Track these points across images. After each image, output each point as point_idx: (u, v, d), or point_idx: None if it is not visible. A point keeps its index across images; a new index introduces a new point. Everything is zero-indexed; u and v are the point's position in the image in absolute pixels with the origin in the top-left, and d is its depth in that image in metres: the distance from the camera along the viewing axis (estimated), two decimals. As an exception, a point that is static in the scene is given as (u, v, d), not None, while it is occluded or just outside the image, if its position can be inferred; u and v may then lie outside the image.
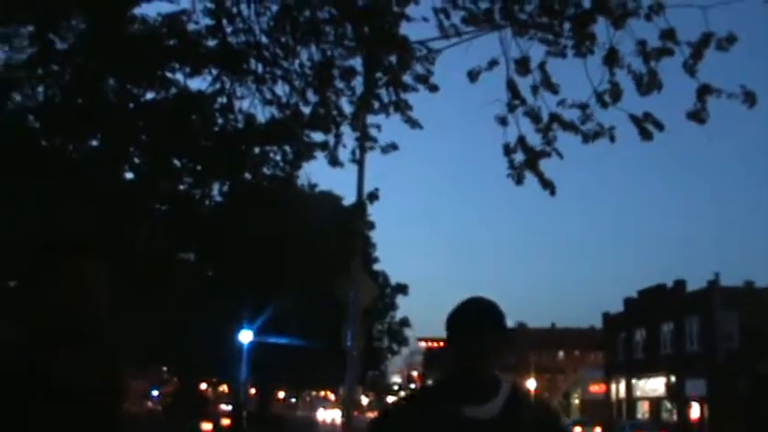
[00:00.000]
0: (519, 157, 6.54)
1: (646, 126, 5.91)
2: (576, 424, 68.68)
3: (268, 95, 10.59)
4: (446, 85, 7.91)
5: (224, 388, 65.29)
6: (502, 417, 3.10)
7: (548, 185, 6.55)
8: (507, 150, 6.52)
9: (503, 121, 6.39)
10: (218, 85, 10.93)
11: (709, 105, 5.98)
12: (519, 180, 6.58)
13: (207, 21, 9.82)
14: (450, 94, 8.03)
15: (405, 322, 67.68)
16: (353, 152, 9.31)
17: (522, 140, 6.49)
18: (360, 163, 19.83)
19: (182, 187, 14.01)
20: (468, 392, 3.11)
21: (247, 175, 13.81)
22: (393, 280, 60.82)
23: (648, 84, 5.80)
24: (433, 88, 8.01)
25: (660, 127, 5.96)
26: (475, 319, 3.13)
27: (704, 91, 5.88)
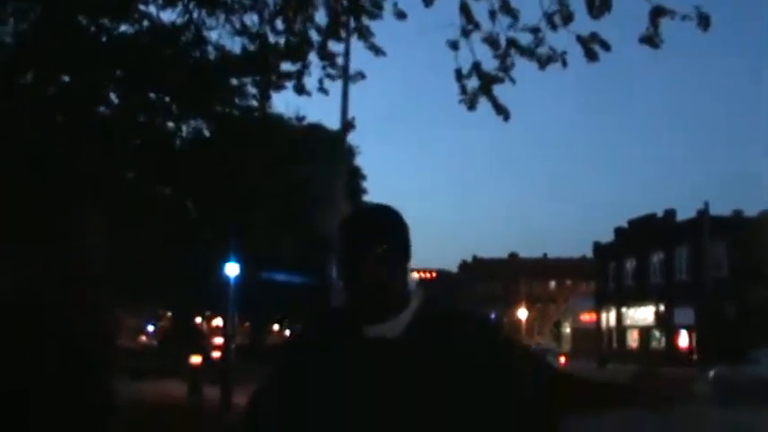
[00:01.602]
0: (472, 82, 6.51)
1: (592, 47, 5.89)
2: (560, 354, 69.58)
3: (237, 26, 10.58)
4: (411, 10, 7.86)
5: (219, 322, 65.78)
6: (410, 334, 2.73)
7: (502, 111, 6.54)
8: (459, 76, 6.50)
9: (454, 46, 6.36)
10: (187, 17, 10.86)
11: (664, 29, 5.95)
12: (471, 105, 6.55)
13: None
14: (413, 21, 7.97)
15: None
16: (321, 81, 9.26)
17: (476, 66, 6.46)
18: (344, 93, 19.96)
19: (157, 121, 13.94)
20: (367, 309, 2.73)
21: (221, 108, 13.81)
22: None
23: (599, 5, 5.75)
24: (401, 15, 7.95)
25: (606, 47, 5.93)
26: (373, 227, 2.75)
27: (657, 13, 5.83)
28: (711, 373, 34.79)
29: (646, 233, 66.78)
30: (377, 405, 2.69)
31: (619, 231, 75.11)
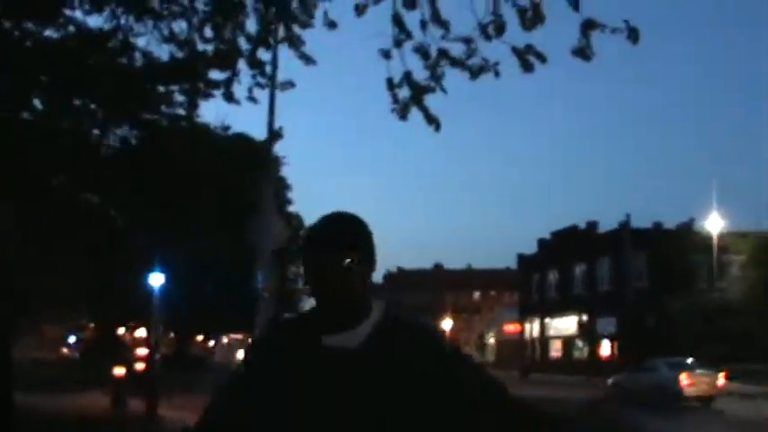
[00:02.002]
0: (404, 92, 6.54)
1: (528, 58, 5.97)
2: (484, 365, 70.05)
3: (166, 33, 10.47)
4: (343, 20, 7.87)
5: (143, 333, 64.79)
6: (372, 343, 2.71)
7: (433, 121, 6.58)
8: (391, 85, 6.52)
9: (387, 55, 6.38)
10: (115, 23, 10.72)
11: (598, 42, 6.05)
12: (403, 115, 6.59)
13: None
14: (347, 30, 7.99)
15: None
16: (250, 89, 9.20)
17: (408, 76, 6.50)
18: (271, 102, 19.82)
19: (84, 127, 13.72)
20: (330, 318, 2.71)
21: (148, 116, 13.64)
22: (308, 221, 60.85)
23: (532, 17, 5.83)
24: (332, 24, 7.95)
25: (543, 59, 6.01)
26: (336, 237, 2.71)
27: (588, 25, 5.94)
28: (610, 381, 36.96)
29: (569, 245, 67.79)
30: (333, 416, 2.66)
31: (542, 243, 76.12)
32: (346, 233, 2.74)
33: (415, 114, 6.82)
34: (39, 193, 13.91)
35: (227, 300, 35.75)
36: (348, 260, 2.67)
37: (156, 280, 25.50)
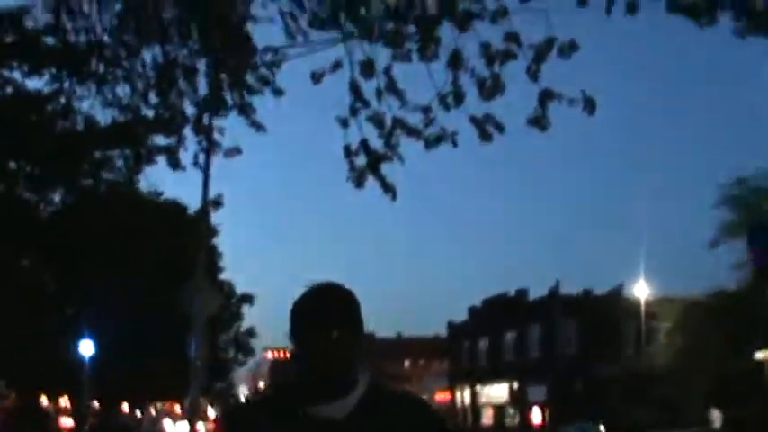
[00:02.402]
0: (360, 160, 6.53)
1: (486, 128, 6.02)
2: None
3: (109, 97, 10.33)
4: (290, 86, 7.86)
5: (66, 402, 63.09)
6: (358, 413, 2.70)
7: (389, 189, 6.56)
8: (348, 152, 6.50)
9: (344, 123, 6.38)
10: (56, 86, 10.57)
11: (552, 113, 6.13)
12: (359, 183, 6.56)
13: (47, 18, 9.51)
14: (294, 96, 7.97)
15: (251, 332, 67.05)
16: (196, 156, 9.09)
17: (364, 144, 6.49)
18: (205, 168, 19.62)
19: (18, 191, 13.45)
20: (317, 390, 2.69)
21: (87, 180, 13.41)
22: (239, 289, 60.24)
23: (491, 88, 5.89)
24: (278, 92, 7.93)
25: (501, 129, 6.06)
26: (329, 309, 2.70)
27: (546, 96, 6.01)
28: None
29: (499, 312, 68.11)
30: None
31: (472, 310, 76.32)
32: (335, 307, 2.72)
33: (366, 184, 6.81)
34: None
35: (157, 367, 35.07)
36: (337, 334, 2.65)
37: (86, 348, 24.93)
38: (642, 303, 54.94)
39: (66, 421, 48.00)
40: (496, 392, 68.84)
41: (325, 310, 2.69)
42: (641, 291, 55.60)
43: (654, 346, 54.59)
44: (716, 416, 45.52)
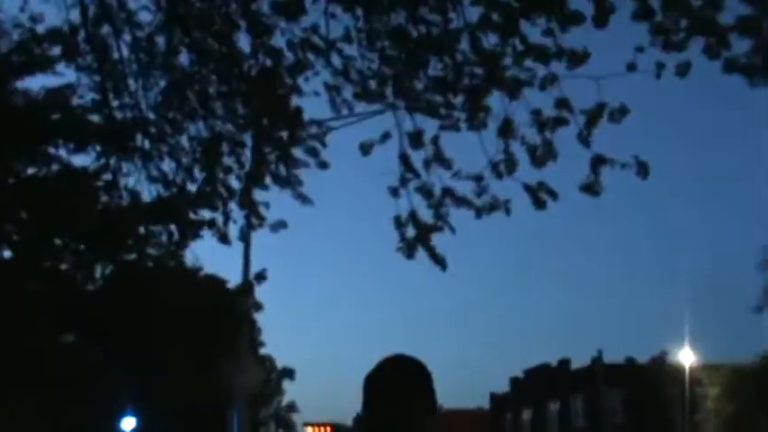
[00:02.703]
0: (410, 231, 6.46)
1: (540, 195, 5.94)
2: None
3: (154, 172, 10.38)
4: (338, 158, 7.84)
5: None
6: None
7: (439, 261, 6.48)
8: (398, 223, 6.44)
9: (395, 192, 6.33)
10: (102, 162, 10.65)
11: (604, 178, 6.04)
12: (410, 254, 6.47)
13: (92, 95, 9.63)
14: (341, 168, 7.95)
15: (292, 407, 66.76)
16: (242, 230, 9.07)
17: (413, 215, 6.43)
18: (246, 241, 19.53)
19: (64, 267, 13.50)
20: None
21: (131, 256, 13.44)
22: (279, 363, 60.05)
23: (543, 154, 5.83)
24: (323, 165, 7.92)
25: (554, 195, 5.98)
26: (406, 381, 2.68)
27: (598, 161, 5.93)
28: None
29: (541, 382, 67.13)
30: None
31: (514, 381, 75.30)
32: (412, 382, 2.69)
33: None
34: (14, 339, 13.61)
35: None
36: (411, 404, 2.62)
37: (128, 425, 24.85)
38: (687, 370, 53.90)
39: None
40: (541, 465, 67.61)
41: (399, 381, 2.68)
42: (686, 357, 54.58)
43: (701, 413, 53.43)
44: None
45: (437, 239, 6.51)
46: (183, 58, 8.96)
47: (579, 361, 63.55)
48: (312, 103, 7.77)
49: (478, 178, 6.14)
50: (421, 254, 6.49)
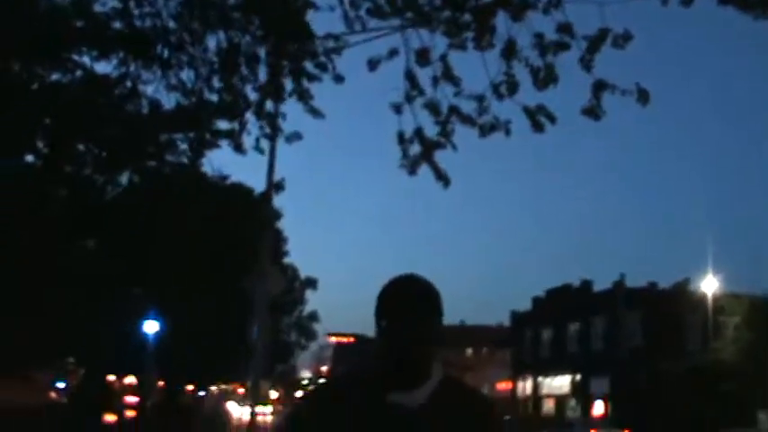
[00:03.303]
0: (414, 148, 6.57)
1: (538, 118, 6.02)
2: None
3: (174, 81, 10.50)
4: (348, 74, 7.93)
5: (132, 380, 64.21)
6: (430, 405, 2.82)
7: (442, 178, 6.60)
8: (402, 140, 6.55)
9: (398, 109, 6.43)
10: (123, 70, 10.77)
11: (605, 102, 6.10)
12: (412, 170, 6.60)
13: (114, 3, 9.72)
14: (352, 84, 8.04)
15: (314, 316, 67.54)
16: (258, 140, 9.23)
17: (419, 132, 6.53)
18: (271, 152, 19.76)
19: (86, 172, 13.73)
20: (393, 378, 2.82)
21: (152, 163, 13.63)
22: (303, 273, 60.61)
23: (545, 78, 5.89)
24: (338, 79, 8.01)
25: (552, 119, 6.06)
26: (414, 300, 2.83)
27: (599, 86, 5.99)
28: None
29: (562, 303, 67.57)
30: None
31: (536, 300, 75.83)
32: (419, 296, 2.86)
33: (423, 169, 6.85)
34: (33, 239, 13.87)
35: (221, 349, 35.51)
36: (420, 322, 2.80)
37: (151, 328, 25.39)
38: (709, 298, 54.09)
39: (133, 399, 48.85)
40: (558, 384, 68.36)
41: (410, 300, 2.82)
42: (709, 285, 54.72)
43: (720, 341, 53.77)
44: (763, 419, 44.92)
45: (440, 156, 6.62)
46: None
47: (602, 284, 63.97)
48: (327, 18, 7.83)
49: (481, 98, 6.22)
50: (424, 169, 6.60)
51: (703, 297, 54.48)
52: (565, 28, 5.78)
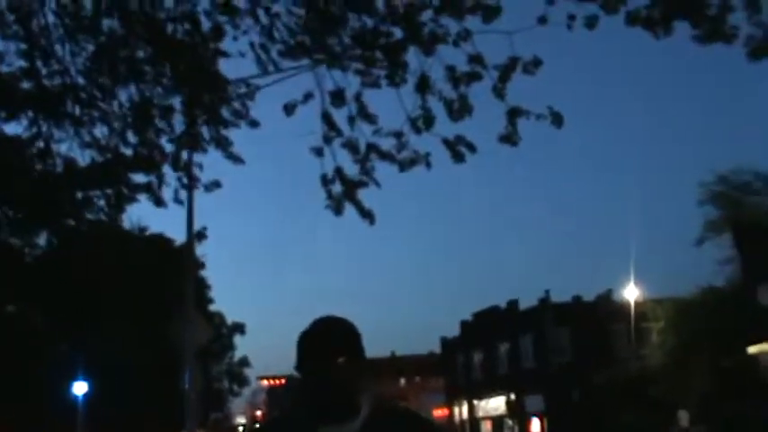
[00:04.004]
0: (337, 187, 6.64)
1: (458, 149, 6.13)
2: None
3: (87, 138, 10.39)
4: (267, 118, 7.96)
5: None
6: None
7: (367, 215, 6.67)
8: (325, 181, 6.62)
9: (319, 152, 6.50)
10: (34, 129, 10.62)
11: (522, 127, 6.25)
12: (338, 210, 6.67)
13: (21, 62, 9.58)
14: (270, 128, 8.08)
15: (244, 362, 66.96)
16: (176, 192, 9.18)
17: (339, 171, 6.60)
18: (189, 202, 19.58)
19: (2, 236, 13.46)
20: (324, 412, 2.94)
21: (70, 222, 13.42)
22: (230, 319, 60.08)
23: (459, 109, 6.01)
24: (254, 124, 8.04)
25: (473, 149, 6.18)
26: (328, 343, 2.94)
27: (513, 113, 6.14)
28: None
29: (491, 325, 68.03)
30: None
31: (464, 325, 76.19)
32: (335, 338, 2.97)
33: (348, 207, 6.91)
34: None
35: (153, 402, 34.90)
36: (339, 361, 2.90)
37: (80, 388, 24.86)
38: (632, 305, 55.04)
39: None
40: (494, 405, 68.71)
41: (328, 341, 2.94)
42: (631, 293, 55.72)
43: (648, 347, 54.66)
44: (683, 416, 45.75)
45: (363, 195, 6.69)
46: (110, 22, 8.96)
47: (528, 302, 64.64)
48: (240, 64, 7.86)
49: (398, 134, 6.32)
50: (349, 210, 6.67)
51: (627, 305, 55.41)
52: (476, 59, 5.91)
